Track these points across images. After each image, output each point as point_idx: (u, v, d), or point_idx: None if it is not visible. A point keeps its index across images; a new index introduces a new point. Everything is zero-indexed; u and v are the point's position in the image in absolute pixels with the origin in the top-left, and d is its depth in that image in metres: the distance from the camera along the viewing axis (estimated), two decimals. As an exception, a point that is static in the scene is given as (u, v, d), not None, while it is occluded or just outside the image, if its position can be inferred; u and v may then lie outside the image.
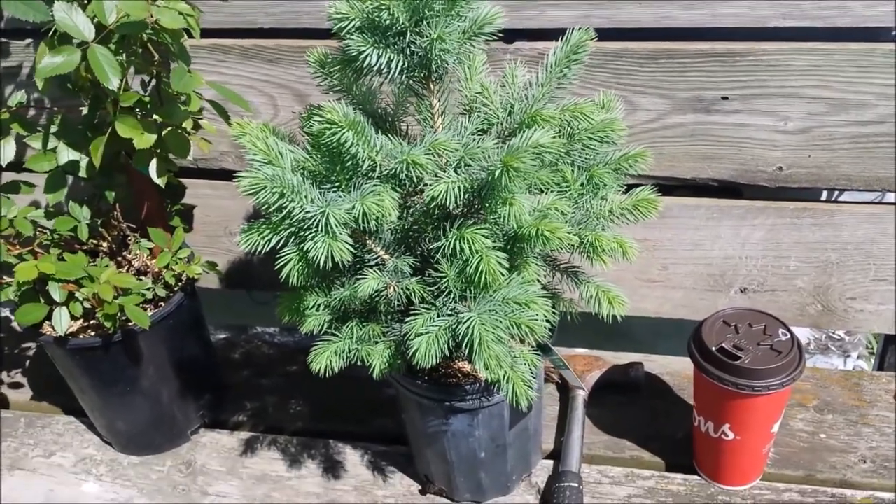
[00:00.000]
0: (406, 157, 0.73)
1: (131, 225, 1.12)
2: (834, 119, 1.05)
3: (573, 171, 0.87)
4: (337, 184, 0.76)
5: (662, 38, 1.05)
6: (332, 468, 1.16)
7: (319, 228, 0.72)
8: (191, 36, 0.96)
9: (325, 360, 0.86)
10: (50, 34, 0.91)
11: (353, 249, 0.74)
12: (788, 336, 0.97)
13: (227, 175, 1.29)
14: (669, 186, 1.15)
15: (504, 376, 0.81)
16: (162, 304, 1.10)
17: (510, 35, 1.08)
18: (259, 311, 1.50)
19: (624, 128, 0.85)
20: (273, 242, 0.75)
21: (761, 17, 1.01)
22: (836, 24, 0.99)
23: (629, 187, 0.90)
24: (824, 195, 1.26)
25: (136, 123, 0.93)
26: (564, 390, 1.21)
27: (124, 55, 0.92)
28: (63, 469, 1.20)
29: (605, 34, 0.92)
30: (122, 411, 1.15)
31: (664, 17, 1.03)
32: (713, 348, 0.96)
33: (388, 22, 0.72)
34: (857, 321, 1.21)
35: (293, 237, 0.75)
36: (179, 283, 1.12)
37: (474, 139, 0.79)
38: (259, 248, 0.75)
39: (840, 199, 1.27)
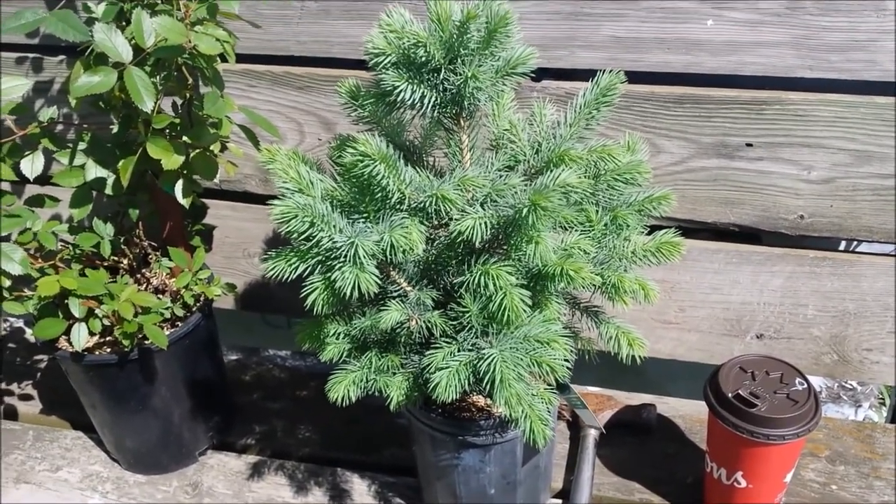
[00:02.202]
0: (436, 192, 0.73)
1: (153, 243, 1.13)
2: (857, 171, 1.06)
3: (597, 211, 0.87)
4: (365, 215, 0.77)
5: (690, 83, 1.06)
6: (339, 497, 1.15)
7: (348, 259, 0.72)
8: (225, 61, 0.97)
9: (343, 389, 0.86)
10: (86, 53, 0.92)
11: (378, 281, 0.74)
12: (805, 385, 0.97)
13: (249, 198, 1.29)
14: (691, 229, 1.15)
15: (523, 414, 0.80)
16: (179, 323, 1.10)
17: (538, 74, 1.09)
18: (273, 333, 1.50)
19: (649, 170, 0.86)
20: (300, 271, 0.75)
21: (788, 67, 1.02)
22: (862, 77, 1.00)
23: (651, 229, 0.90)
24: (842, 245, 1.26)
25: (167, 145, 0.94)
26: (575, 427, 1.21)
27: (158, 77, 0.93)
28: (69, 484, 1.19)
29: (632, 77, 0.92)
30: (132, 429, 1.15)
31: (692, 63, 1.04)
32: (730, 394, 0.96)
33: (423, 59, 0.73)
34: (872, 372, 1.20)
35: (320, 266, 0.75)
36: (197, 304, 1.12)
37: (501, 175, 0.80)
38: (285, 276, 0.75)
39: (858, 249, 1.27)
